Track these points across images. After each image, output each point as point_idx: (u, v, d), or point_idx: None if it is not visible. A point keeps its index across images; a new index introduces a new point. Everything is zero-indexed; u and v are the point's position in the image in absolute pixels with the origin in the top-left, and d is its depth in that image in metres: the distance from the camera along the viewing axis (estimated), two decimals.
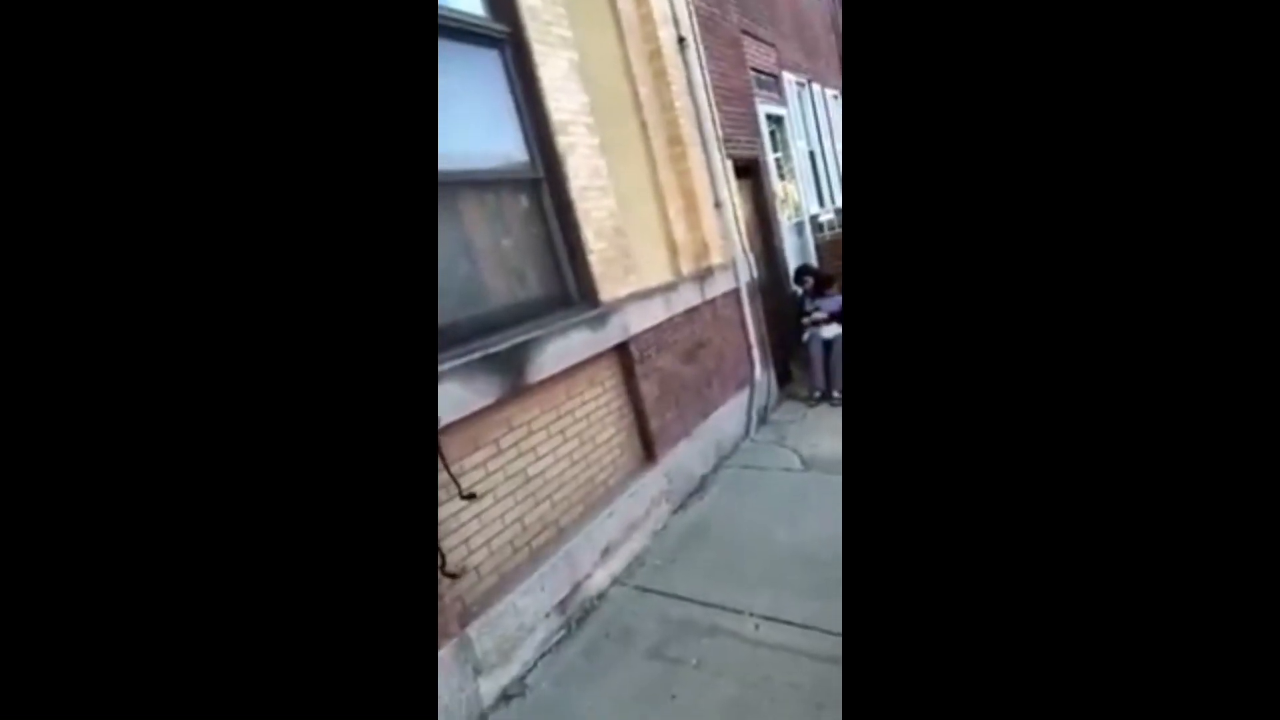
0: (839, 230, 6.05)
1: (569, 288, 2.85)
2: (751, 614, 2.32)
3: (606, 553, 2.68)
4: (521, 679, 2.17)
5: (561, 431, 2.62)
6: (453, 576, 2.02)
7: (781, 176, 5.71)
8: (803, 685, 1.99)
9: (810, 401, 4.54)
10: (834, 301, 4.66)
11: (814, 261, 5.71)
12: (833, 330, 4.55)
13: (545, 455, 2.51)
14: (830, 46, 8.08)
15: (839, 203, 6.99)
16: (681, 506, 3.27)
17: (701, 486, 3.47)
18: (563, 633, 2.38)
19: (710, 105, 4.05)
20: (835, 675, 2.01)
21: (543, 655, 2.27)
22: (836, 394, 4.47)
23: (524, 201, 2.71)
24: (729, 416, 3.95)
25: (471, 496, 2.12)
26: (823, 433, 3.96)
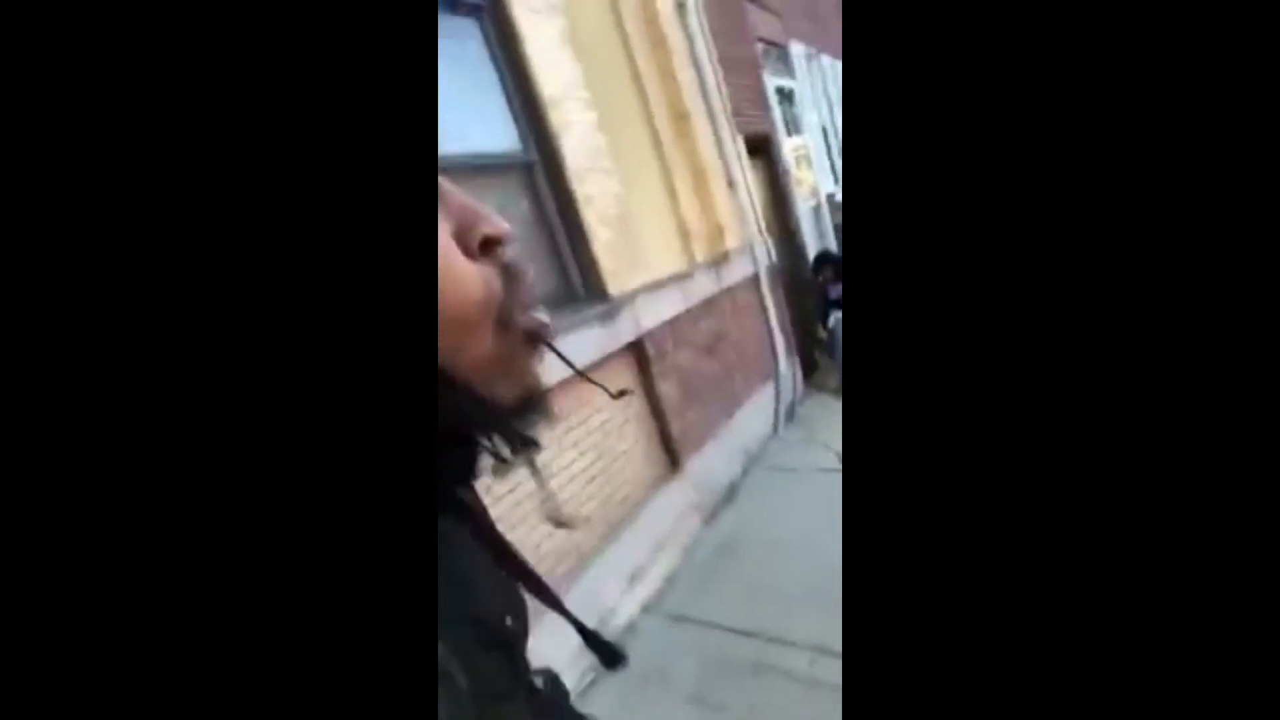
0: None
1: (573, 282, 2.55)
2: (801, 645, 2.03)
3: (634, 578, 2.38)
4: None
5: (574, 445, 2.32)
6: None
7: (794, 157, 5.35)
8: None
9: (838, 392, 4.22)
10: None
11: (834, 244, 5.36)
12: None
13: (557, 474, 2.22)
14: (839, 14, 7.67)
15: None
16: (712, 518, 2.97)
17: (731, 494, 3.16)
18: (591, 676, 2.08)
19: (716, 75, 3.72)
20: None
21: None
22: None
23: (516, 188, 2.41)
24: (755, 414, 3.63)
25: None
26: None
